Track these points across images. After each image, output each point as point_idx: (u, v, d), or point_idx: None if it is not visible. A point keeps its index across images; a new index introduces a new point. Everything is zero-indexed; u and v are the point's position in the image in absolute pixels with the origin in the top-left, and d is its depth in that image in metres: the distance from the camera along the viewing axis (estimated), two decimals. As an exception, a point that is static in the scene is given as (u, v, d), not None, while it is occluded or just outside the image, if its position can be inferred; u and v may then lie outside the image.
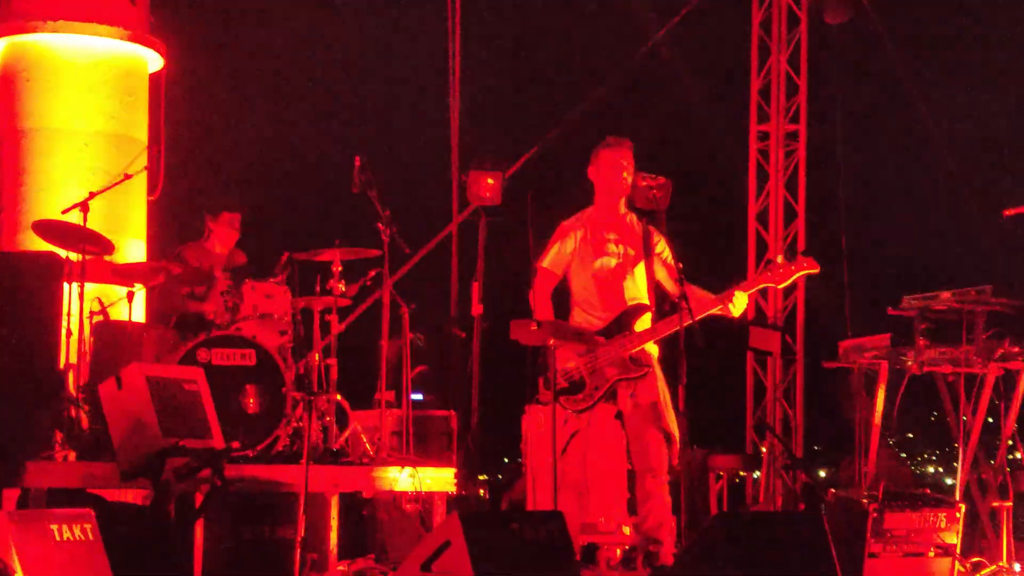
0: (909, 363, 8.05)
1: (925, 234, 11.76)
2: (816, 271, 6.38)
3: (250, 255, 8.50)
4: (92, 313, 7.53)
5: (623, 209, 6.56)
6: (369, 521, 7.80)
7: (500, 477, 9.32)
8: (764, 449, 11.67)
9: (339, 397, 7.87)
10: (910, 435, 8.45)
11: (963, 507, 6.19)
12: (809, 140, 12.47)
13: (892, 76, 12.40)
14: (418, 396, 9.00)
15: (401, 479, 7.34)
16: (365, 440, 7.89)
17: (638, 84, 12.76)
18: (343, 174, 7.89)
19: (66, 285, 7.78)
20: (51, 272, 7.68)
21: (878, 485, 6.90)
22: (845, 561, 5.34)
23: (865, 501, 5.81)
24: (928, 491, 6.75)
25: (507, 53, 12.80)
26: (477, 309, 9.76)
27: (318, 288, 7.88)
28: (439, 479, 7.61)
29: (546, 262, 6.50)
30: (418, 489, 7.57)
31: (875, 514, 5.66)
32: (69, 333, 7.56)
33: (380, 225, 7.85)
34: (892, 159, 12.86)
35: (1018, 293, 7.54)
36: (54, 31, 10.56)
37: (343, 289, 7.82)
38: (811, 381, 12.17)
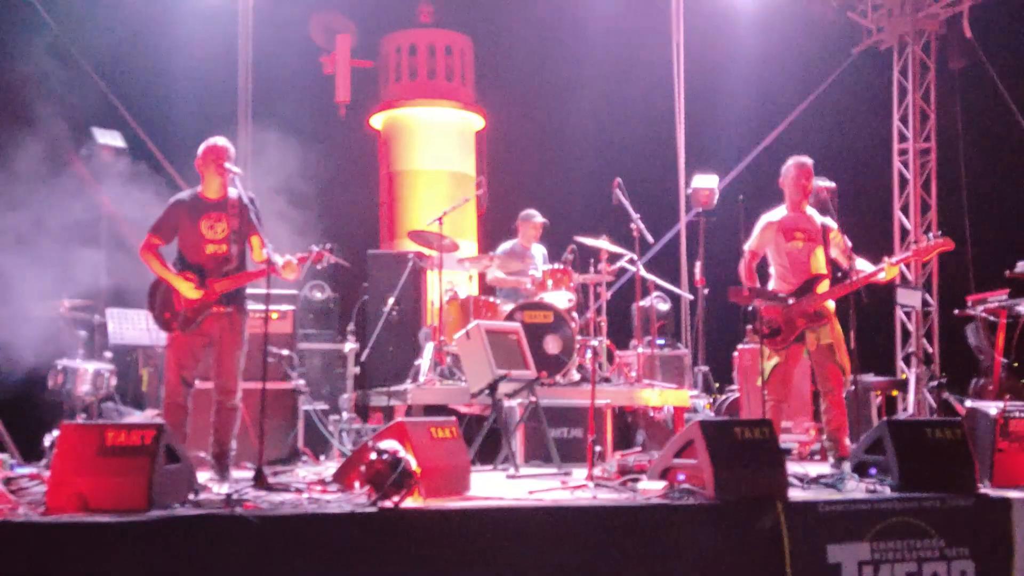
0: (1022, 311, 7.54)
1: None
2: (951, 248, 6.01)
3: (547, 248, 8.56)
4: (446, 291, 7.61)
5: (805, 207, 6.35)
6: (632, 425, 7.84)
7: (720, 396, 9.14)
8: (905, 375, 11.18)
9: (608, 341, 7.92)
10: (1016, 363, 7.82)
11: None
12: (938, 153, 11.93)
13: (1000, 98, 11.60)
14: (660, 341, 8.96)
15: (652, 397, 7.35)
16: (627, 370, 7.92)
17: (817, 114, 12.31)
18: (607, 191, 7.90)
19: (428, 272, 8.08)
20: (418, 263, 8.01)
21: (1002, 399, 6.46)
22: (979, 456, 5.04)
23: (993, 411, 5.41)
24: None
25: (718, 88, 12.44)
26: (700, 281, 9.63)
27: (592, 269, 7.95)
28: (677, 396, 7.59)
29: (752, 245, 6.34)
30: (663, 403, 7.55)
31: (1002, 420, 5.29)
32: (432, 304, 7.87)
33: (632, 225, 7.82)
34: (1001, 165, 11.98)
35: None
36: (414, 106, 11.03)
37: (609, 269, 7.86)
38: (944, 325, 11.65)
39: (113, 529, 3.55)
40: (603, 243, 7.67)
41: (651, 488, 4.46)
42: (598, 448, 5.79)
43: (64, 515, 3.67)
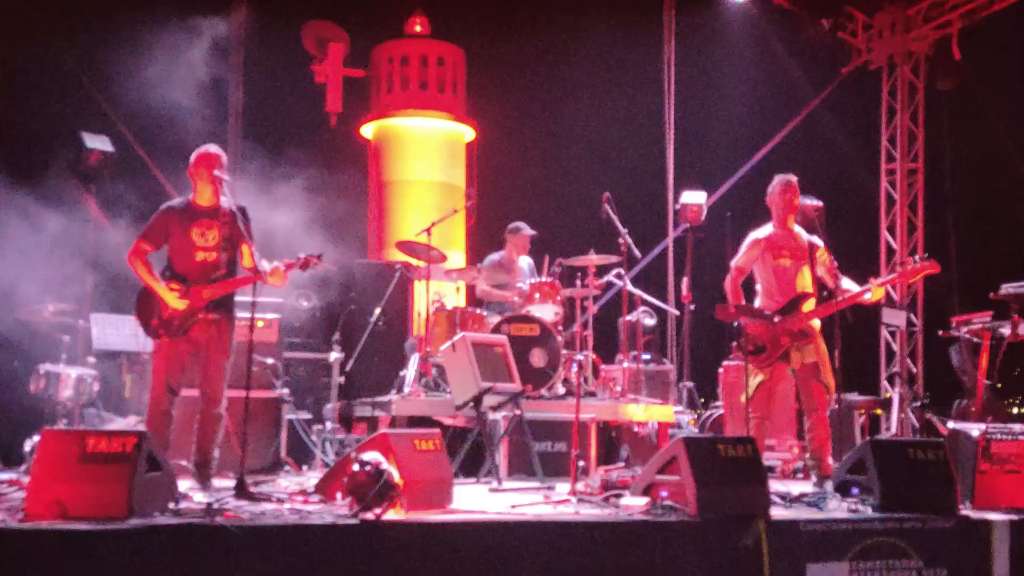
0: (1006, 333, 7.58)
1: (1017, 237, 11.03)
2: (937, 271, 6.04)
3: (534, 260, 8.54)
4: (433, 302, 7.60)
5: (792, 225, 6.38)
6: (616, 440, 7.83)
7: (705, 413, 9.15)
8: (888, 395, 11.24)
9: (594, 356, 7.92)
10: (999, 385, 7.88)
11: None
12: (925, 174, 12.04)
13: (987, 120, 11.72)
14: (646, 356, 8.96)
15: (637, 412, 7.34)
16: (612, 385, 7.92)
17: (805, 132, 12.39)
18: (595, 205, 7.91)
19: (416, 283, 8.06)
20: (406, 274, 7.99)
21: (985, 420, 6.48)
22: (960, 477, 5.06)
23: (976, 432, 5.41)
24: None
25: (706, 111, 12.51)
26: (686, 297, 9.66)
27: (579, 283, 7.96)
28: (661, 412, 7.59)
29: (739, 262, 6.36)
30: (648, 419, 7.55)
31: (984, 442, 5.30)
32: (418, 314, 7.84)
33: (620, 239, 7.83)
34: (988, 187, 12.09)
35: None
36: (405, 116, 11.03)
37: (596, 283, 7.85)
38: (928, 346, 11.72)
39: (92, 537, 3.52)
40: (589, 258, 7.68)
41: (634, 504, 4.46)
42: (581, 463, 5.77)
43: (43, 522, 3.65)
